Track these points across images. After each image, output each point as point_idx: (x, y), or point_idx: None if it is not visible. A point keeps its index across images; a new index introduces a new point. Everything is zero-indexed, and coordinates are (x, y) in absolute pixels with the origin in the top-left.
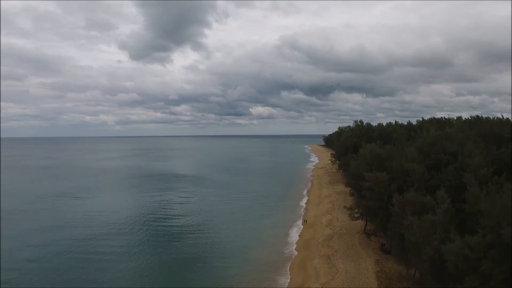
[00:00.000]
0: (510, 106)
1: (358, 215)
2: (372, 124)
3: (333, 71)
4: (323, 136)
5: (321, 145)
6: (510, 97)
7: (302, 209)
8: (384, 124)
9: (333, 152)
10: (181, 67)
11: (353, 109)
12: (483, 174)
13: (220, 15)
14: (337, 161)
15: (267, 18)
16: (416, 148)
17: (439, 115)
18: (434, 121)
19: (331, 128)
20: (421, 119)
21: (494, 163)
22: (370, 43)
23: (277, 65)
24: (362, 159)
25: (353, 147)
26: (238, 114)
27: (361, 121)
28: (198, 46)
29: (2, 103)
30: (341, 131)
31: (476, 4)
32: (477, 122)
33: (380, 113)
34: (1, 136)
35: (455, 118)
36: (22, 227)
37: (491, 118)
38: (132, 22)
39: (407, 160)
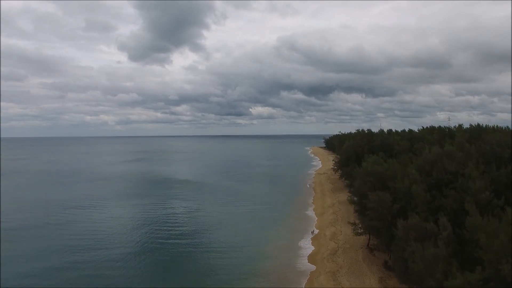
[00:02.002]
0: (509, 106)
1: (362, 230)
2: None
3: (332, 71)
4: (324, 138)
5: (322, 147)
6: (509, 97)
7: (312, 220)
8: (386, 129)
9: (335, 156)
10: (180, 67)
11: (353, 109)
12: (484, 198)
13: (218, 17)
14: (339, 170)
15: (266, 19)
16: (417, 166)
17: (439, 115)
18: (435, 130)
19: (331, 128)
20: (422, 118)
21: (493, 183)
22: (368, 44)
23: (276, 65)
24: (364, 173)
25: (355, 156)
26: (238, 114)
27: (362, 130)
28: (196, 47)
29: (2, 103)
30: (343, 137)
31: (473, 5)
32: (478, 132)
33: (380, 113)
34: (2, 136)
35: (456, 126)
36: (26, 247)
37: (492, 127)
38: (132, 22)
39: (409, 180)
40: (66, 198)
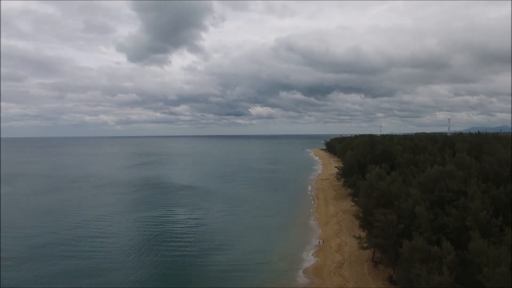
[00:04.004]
0: (508, 106)
1: (367, 245)
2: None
3: (330, 72)
4: (324, 140)
5: (323, 149)
6: (508, 97)
7: (316, 230)
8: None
9: (337, 159)
10: (179, 68)
11: (353, 109)
12: (482, 217)
13: (217, 19)
14: (342, 179)
15: (264, 19)
16: (420, 184)
17: (438, 115)
18: (437, 138)
19: (331, 128)
20: (421, 118)
21: (493, 203)
22: (366, 45)
23: (275, 66)
24: (368, 185)
25: (358, 165)
26: (238, 114)
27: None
28: (195, 48)
29: (2, 103)
30: (343, 140)
31: (470, 6)
32: (479, 141)
33: (379, 113)
34: (2, 136)
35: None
36: (33, 269)
37: (492, 134)
38: (130, 24)
39: (412, 201)
40: (73, 209)
